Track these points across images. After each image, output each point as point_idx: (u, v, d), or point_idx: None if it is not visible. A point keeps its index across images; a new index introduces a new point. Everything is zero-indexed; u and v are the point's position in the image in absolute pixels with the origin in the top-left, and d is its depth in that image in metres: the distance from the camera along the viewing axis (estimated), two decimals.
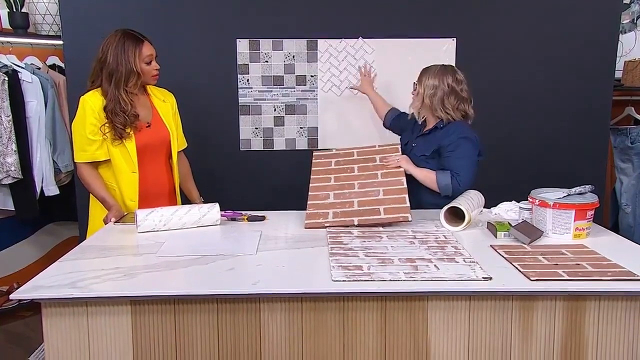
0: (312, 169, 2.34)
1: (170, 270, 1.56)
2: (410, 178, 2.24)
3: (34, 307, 3.24)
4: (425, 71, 2.36)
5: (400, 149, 2.36)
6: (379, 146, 2.42)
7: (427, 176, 2.26)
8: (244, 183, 3.16)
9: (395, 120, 2.68)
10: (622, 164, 3.53)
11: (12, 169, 3.15)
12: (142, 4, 2.97)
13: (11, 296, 1.41)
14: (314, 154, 2.44)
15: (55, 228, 3.74)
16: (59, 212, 3.61)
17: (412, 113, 2.49)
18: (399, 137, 2.60)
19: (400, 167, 2.24)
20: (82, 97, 2.19)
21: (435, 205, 2.22)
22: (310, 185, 2.23)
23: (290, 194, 2.81)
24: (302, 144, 3.15)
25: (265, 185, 3.17)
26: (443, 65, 2.36)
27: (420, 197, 2.31)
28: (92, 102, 2.16)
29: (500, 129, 3.19)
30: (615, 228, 3.56)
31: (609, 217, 3.59)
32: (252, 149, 3.14)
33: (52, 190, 3.34)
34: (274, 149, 3.15)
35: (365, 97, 2.91)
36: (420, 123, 2.45)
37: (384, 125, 2.76)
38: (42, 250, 3.68)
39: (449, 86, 2.29)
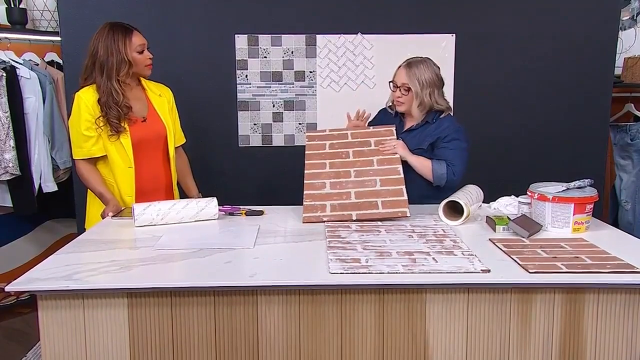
0: (306, 152, 2.27)
1: (167, 263, 1.55)
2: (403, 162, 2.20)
3: (32, 304, 3.24)
4: (412, 70, 2.26)
5: (394, 132, 2.30)
6: (373, 127, 2.36)
7: (423, 164, 2.24)
8: (243, 179, 3.16)
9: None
10: (621, 161, 3.52)
11: (10, 165, 3.14)
12: (140, 0, 2.96)
13: (7, 288, 1.40)
14: (306, 134, 2.38)
15: (54, 225, 3.73)
16: (57, 209, 3.60)
17: (381, 112, 2.52)
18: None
19: (396, 153, 2.20)
20: (76, 93, 2.19)
21: (424, 198, 2.23)
22: (306, 171, 2.19)
23: (289, 190, 2.80)
24: (300, 140, 3.14)
25: (264, 181, 3.16)
26: (420, 58, 2.32)
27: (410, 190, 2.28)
28: (86, 98, 2.15)
29: (500, 125, 3.19)
30: (614, 225, 3.54)
31: (608, 214, 3.58)
32: (250, 145, 3.14)
33: (50, 186, 3.33)
34: (273, 144, 3.14)
35: (363, 92, 2.90)
36: (397, 116, 2.41)
37: None
38: (40, 247, 3.67)
39: (438, 76, 2.30)
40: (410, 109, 2.32)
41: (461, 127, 2.32)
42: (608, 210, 3.58)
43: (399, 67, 2.33)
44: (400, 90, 2.30)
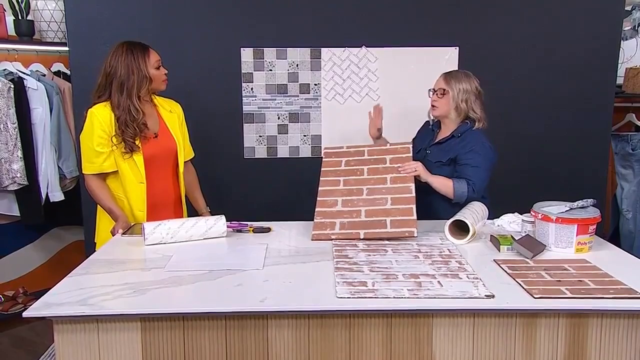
0: (322, 168, 2.31)
1: (178, 286, 1.58)
2: (424, 183, 2.26)
3: None
4: (452, 76, 2.38)
5: (411, 149, 2.34)
6: (390, 144, 2.40)
7: (443, 184, 2.27)
8: (248, 190, 3.19)
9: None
10: (622, 170, 3.55)
11: (18, 175, 3.18)
12: (147, 13, 2.99)
13: (24, 314, 1.44)
14: (324, 150, 2.43)
15: (60, 232, 3.76)
16: (64, 217, 3.63)
17: (425, 124, 2.58)
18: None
19: (418, 175, 2.22)
20: (89, 109, 2.21)
21: (445, 211, 2.25)
22: (320, 188, 2.22)
23: (294, 201, 2.84)
24: (305, 152, 3.17)
25: (269, 193, 3.19)
26: (461, 70, 2.44)
27: (432, 202, 2.35)
28: (100, 115, 2.18)
29: (502, 136, 3.20)
30: (615, 234, 3.58)
31: (609, 223, 3.61)
32: (256, 157, 3.17)
33: (57, 196, 3.36)
34: (278, 156, 3.18)
35: (367, 104, 2.91)
36: (433, 129, 2.50)
37: None
38: (47, 255, 3.71)
39: (476, 89, 2.37)
40: (446, 113, 2.40)
41: (486, 143, 2.34)
42: (609, 219, 3.61)
43: (440, 76, 2.43)
44: (436, 94, 2.40)
